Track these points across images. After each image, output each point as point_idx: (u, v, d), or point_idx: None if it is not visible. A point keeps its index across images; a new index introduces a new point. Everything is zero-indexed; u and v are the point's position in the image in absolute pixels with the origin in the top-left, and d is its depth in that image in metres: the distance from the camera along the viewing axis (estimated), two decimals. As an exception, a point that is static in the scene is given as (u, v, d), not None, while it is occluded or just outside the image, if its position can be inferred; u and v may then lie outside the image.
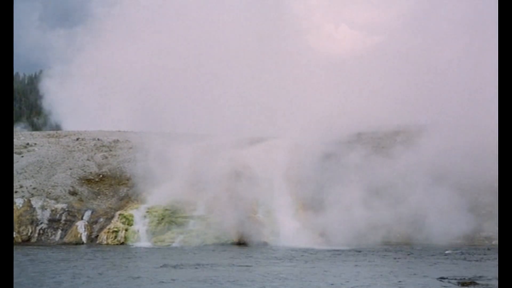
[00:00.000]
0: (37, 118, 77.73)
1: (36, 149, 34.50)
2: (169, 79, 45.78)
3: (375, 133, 35.24)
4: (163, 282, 16.93)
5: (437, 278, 17.56)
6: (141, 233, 28.09)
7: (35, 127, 68.69)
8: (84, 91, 54.69)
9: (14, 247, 24.38)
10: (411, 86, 38.70)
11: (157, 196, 30.25)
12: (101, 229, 28.62)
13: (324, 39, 52.49)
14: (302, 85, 42.79)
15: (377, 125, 35.56)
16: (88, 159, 33.59)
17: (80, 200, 30.42)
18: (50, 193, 30.25)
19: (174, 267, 20.02)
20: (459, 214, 27.96)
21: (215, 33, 47.89)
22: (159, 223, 28.47)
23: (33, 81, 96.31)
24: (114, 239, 27.79)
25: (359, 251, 24.82)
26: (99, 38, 56.80)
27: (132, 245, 27.28)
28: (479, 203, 28.97)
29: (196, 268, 19.83)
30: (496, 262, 18.06)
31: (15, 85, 77.36)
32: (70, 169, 32.48)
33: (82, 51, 58.27)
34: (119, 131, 41.70)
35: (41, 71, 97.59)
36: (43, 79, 64.25)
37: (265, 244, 27.17)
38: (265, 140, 35.80)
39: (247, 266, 20.37)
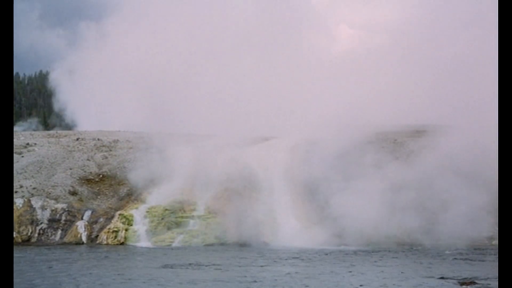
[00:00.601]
0: (35, 116, 77.65)
1: (36, 149, 34.51)
2: (170, 78, 45.78)
3: (380, 133, 35.11)
4: (187, 283, 16.73)
5: (437, 278, 17.57)
6: (141, 233, 28.07)
7: (47, 127, 68.68)
8: (93, 90, 54.65)
9: (14, 247, 24.39)
10: (417, 86, 38.62)
11: (157, 196, 30.26)
12: (101, 229, 28.61)
13: (326, 39, 52.42)
14: (305, 85, 42.75)
15: (381, 124, 35.42)
16: (88, 159, 33.60)
17: (80, 200, 30.42)
18: (50, 193, 30.25)
19: (191, 267, 19.94)
20: (478, 215, 27.65)
21: (217, 34, 47.90)
22: (159, 223, 28.45)
23: (33, 81, 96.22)
24: (114, 239, 27.78)
25: (360, 251, 24.80)
26: (104, 35, 56.74)
27: (132, 245, 27.27)
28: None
29: (209, 268, 19.75)
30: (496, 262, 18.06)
31: (15, 85, 77.36)
32: (70, 169, 32.49)
33: (87, 49, 58.18)
34: (119, 131, 41.73)
35: (40, 71, 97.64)
36: (51, 78, 64.08)
37: (265, 244, 27.11)
38: (268, 140, 35.81)
39: (261, 266, 20.27)
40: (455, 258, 22.63)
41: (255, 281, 16.96)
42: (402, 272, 18.82)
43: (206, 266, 20.16)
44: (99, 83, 54.48)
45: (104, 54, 54.81)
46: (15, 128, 59.87)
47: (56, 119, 66.88)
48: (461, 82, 35.25)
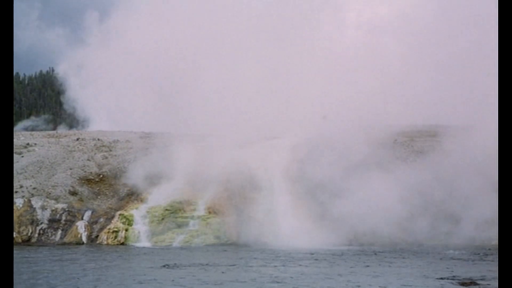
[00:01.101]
0: (48, 114, 77.69)
1: (36, 149, 34.52)
2: (172, 78, 45.73)
3: (384, 132, 34.99)
4: (205, 283, 16.62)
5: (437, 278, 17.54)
6: (141, 233, 28.09)
7: (53, 124, 68.69)
8: (101, 88, 54.52)
9: (14, 247, 24.37)
10: (423, 84, 38.46)
11: (157, 196, 30.27)
12: (101, 229, 28.62)
13: (328, 37, 52.22)
14: (307, 84, 42.62)
15: (385, 124, 35.31)
16: (88, 159, 33.61)
17: (80, 200, 30.43)
18: (50, 193, 30.26)
19: (203, 267, 19.83)
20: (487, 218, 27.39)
21: (219, 33, 47.75)
22: (159, 223, 28.47)
23: (33, 81, 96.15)
24: (114, 239, 27.79)
25: (366, 252, 24.72)
26: (107, 33, 56.57)
27: (133, 245, 27.26)
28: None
29: (223, 268, 19.64)
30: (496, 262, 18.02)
31: (15, 85, 77.34)
32: (70, 169, 32.50)
33: (92, 46, 57.96)
34: (119, 131, 41.72)
35: (40, 71, 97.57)
36: (59, 77, 63.88)
37: (265, 244, 27.05)
38: (268, 139, 35.79)
39: (275, 266, 20.12)
40: (461, 259, 22.61)
41: (276, 282, 16.80)
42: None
43: (220, 266, 20.02)
44: (106, 81, 54.33)
45: (108, 52, 54.65)
46: (28, 123, 60.10)
47: (67, 118, 66.93)
48: (470, 81, 35.00)
